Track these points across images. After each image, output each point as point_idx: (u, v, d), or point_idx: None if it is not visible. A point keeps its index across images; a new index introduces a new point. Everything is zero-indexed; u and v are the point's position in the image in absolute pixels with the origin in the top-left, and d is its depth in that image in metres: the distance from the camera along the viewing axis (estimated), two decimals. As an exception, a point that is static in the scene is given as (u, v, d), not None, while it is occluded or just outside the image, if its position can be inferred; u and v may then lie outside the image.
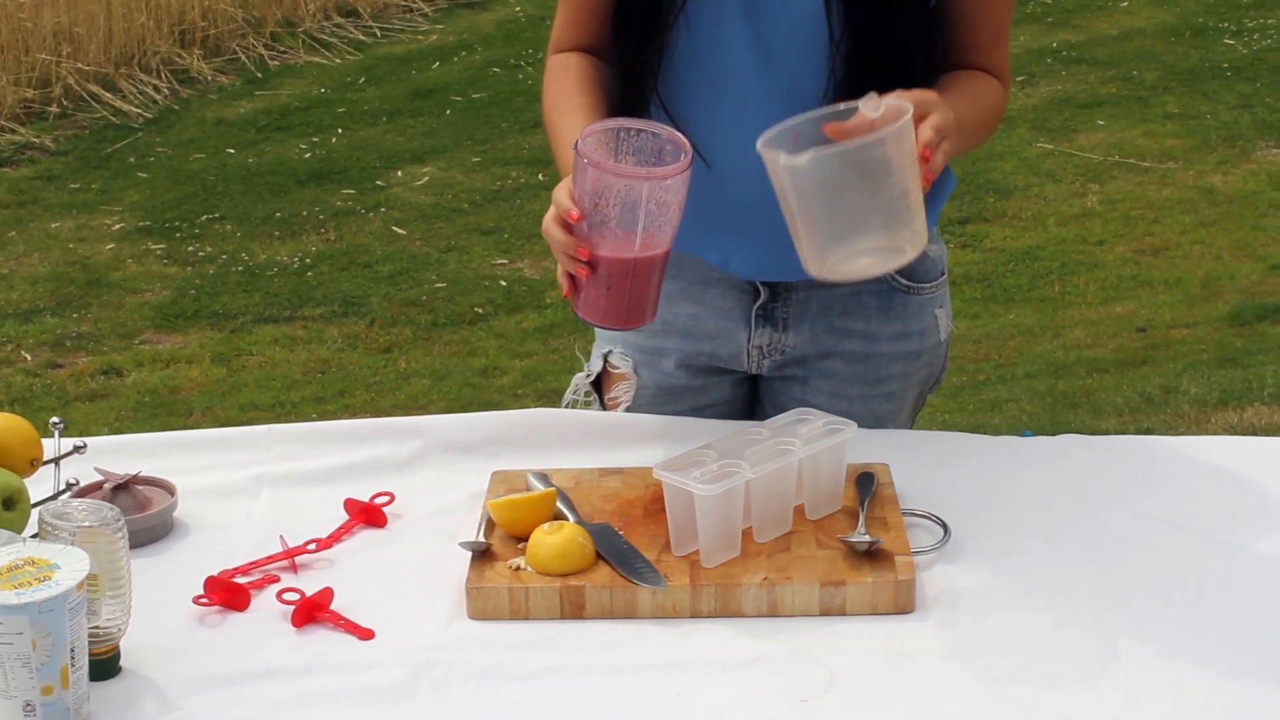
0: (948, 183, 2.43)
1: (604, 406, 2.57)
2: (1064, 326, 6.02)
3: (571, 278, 2.10)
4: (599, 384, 2.58)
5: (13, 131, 8.20)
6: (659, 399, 2.52)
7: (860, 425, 2.21)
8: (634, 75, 2.32)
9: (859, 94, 2.18)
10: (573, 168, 2.06)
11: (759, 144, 1.98)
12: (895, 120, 1.94)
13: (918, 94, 2.05)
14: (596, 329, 2.56)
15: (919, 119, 2.02)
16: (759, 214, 2.20)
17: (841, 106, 2.02)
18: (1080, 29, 9.55)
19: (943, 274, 2.51)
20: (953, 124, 2.08)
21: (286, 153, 8.12)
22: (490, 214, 7.27)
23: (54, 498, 2.15)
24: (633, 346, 2.52)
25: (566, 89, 2.34)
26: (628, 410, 2.53)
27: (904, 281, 2.44)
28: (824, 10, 2.22)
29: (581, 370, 2.61)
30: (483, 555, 2.06)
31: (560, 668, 1.90)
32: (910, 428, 2.57)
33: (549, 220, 2.08)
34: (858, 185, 1.95)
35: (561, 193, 2.07)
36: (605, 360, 2.55)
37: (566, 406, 2.56)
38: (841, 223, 1.98)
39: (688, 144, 2.07)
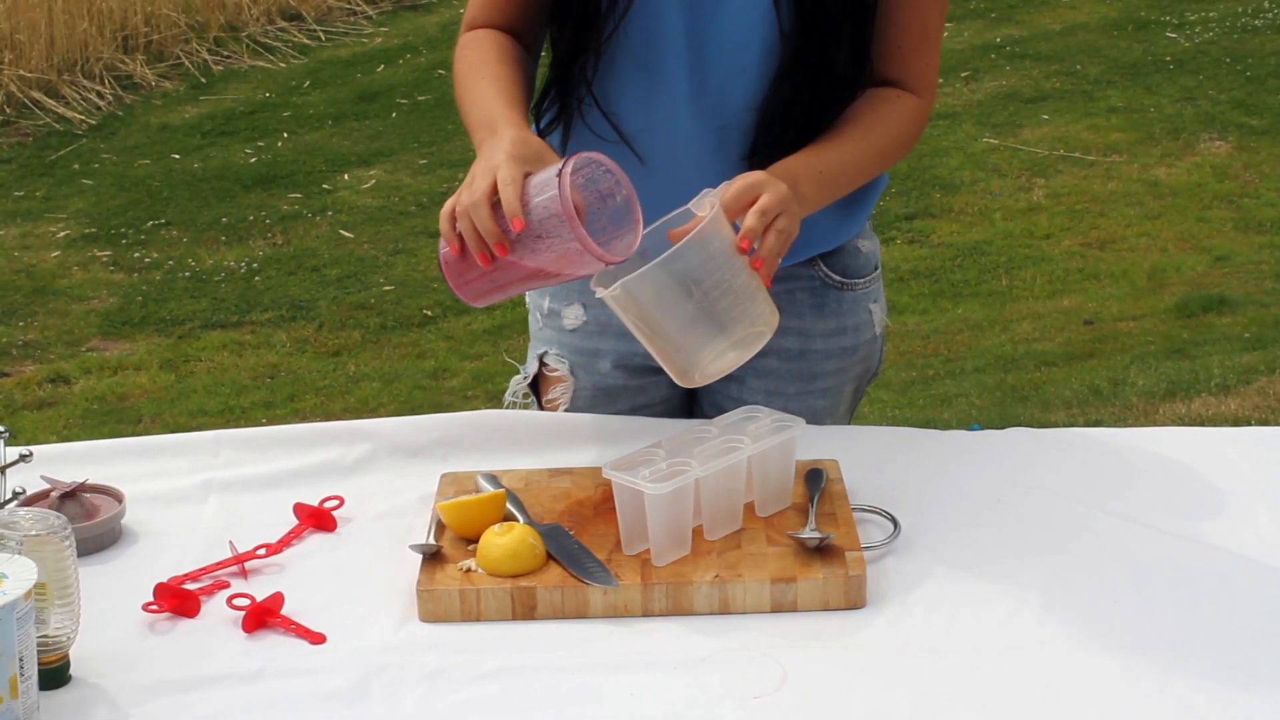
0: (879, 182, 2.44)
1: (542, 408, 2.57)
2: (1012, 320, 6.04)
3: (462, 243, 2.08)
4: (536, 386, 2.58)
5: (-45, 140, 8.17)
6: (597, 400, 2.52)
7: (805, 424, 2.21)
8: (566, 74, 2.32)
9: (792, 92, 2.21)
10: (537, 172, 2.04)
11: (591, 282, 2.07)
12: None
13: (746, 180, 2.09)
14: (531, 329, 2.56)
15: (747, 204, 2.07)
16: None
17: (685, 209, 2.08)
18: (1023, 24, 9.59)
19: (876, 269, 2.51)
20: (786, 199, 2.09)
21: (232, 157, 8.09)
22: (437, 216, 7.25)
23: (0, 507, 2.14)
24: (568, 348, 2.52)
25: (488, 58, 2.32)
26: (566, 411, 2.53)
27: (837, 278, 2.45)
28: (770, 10, 2.22)
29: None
30: (433, 558, 2.06)
31: (512, 669, 1.90)
32: (848, 422, 2.58)
33: (481, 197, 2.03)
34: (677, 298, 2.03)
35: (511, 190, 2.02)
36: (541, 362, 2.55)
37: (506, 408, 2.56)
38: (684, 333, 2.06)
39: (639, 215, 2.06)
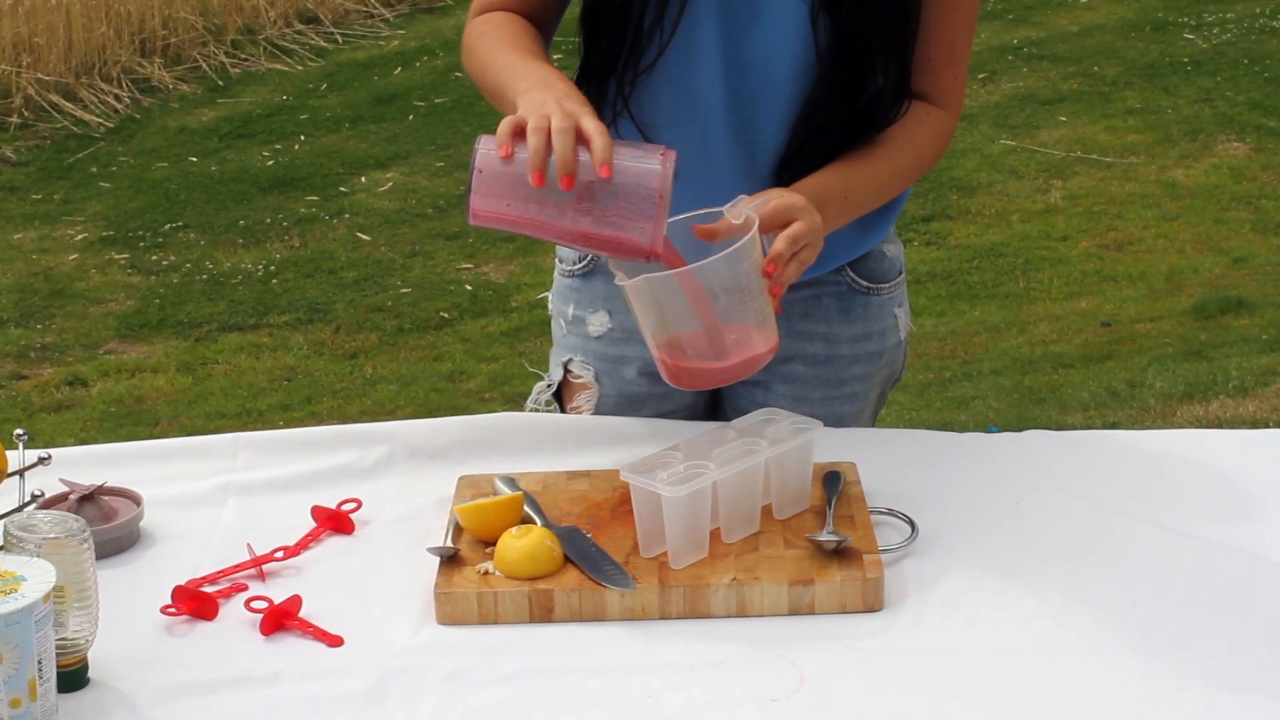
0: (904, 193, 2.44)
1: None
2: (1029, 322, 6.03)
3: (510, 149, 1.99)
4: (560, 393, 2.57)
5: (-27, 143, 8.19)
6: (621, 407, 2.51)
7: (824, 426, 2.21)
8: (600, 87, 2.30)
9: (825, 112, 2.20)
10: (633, 142, 2.01)
11: (610, 263, 2.06)
12: (743, 234, 2.02)
13: (782, 201, 2.08)
14: (555, 336, 2.56)
15: (781, 225, 2.06)
16: None
17: (715, 210, 2.08)
18: (1041, 25, 9.58)
19: (900, 273, 2.51)
20: (816, 229, 2.09)
21: (249, 160, 8.10)
22: (454, 218, 7.27)
23: (19, 509, 2.14)
24: (593, 355, 2.51)
25: (516, 35, 2.25)
26: (587, 417, 2.52)
27: (863, 283, 2.45)
28: (806, 28, 2.21)
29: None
30: (451, 560, 2.06)
31: (530, 671, 1.90)
32: (871, 426, 2.58)
33: (572, 125, 1.95)
34: (692, 304, 2.03)
35: (603, 140, 1.96)
36: (565, 369, 2.55)
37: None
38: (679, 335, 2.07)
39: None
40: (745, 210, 2.05)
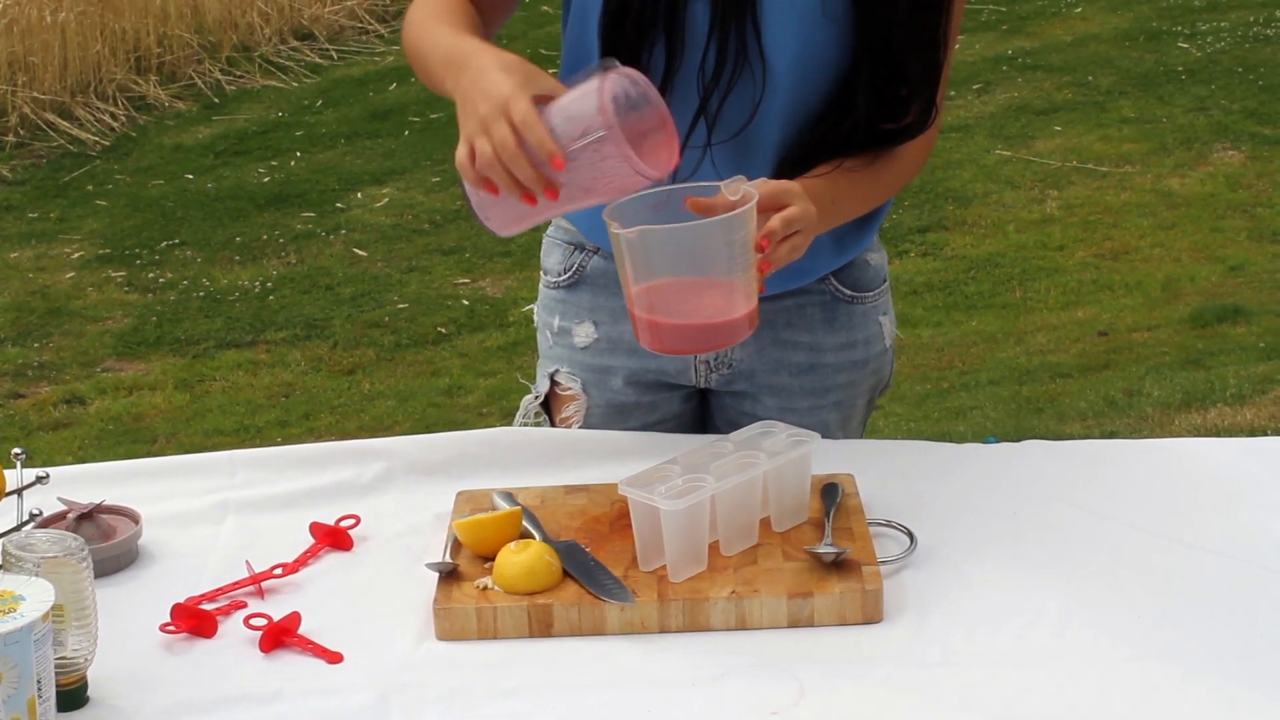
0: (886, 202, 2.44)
1: (554, 427, 2.56)
2: (1026, 332, 6.04)
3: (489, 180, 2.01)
4: (548, 405, 2.57)
5: (-31, 162, 8.19)
6: (610, 417, 2.51)
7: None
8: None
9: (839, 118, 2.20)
10: (544, 94, 1.99)
11: (604, 212, 2.04)
12: (741, 207, 2.02)
13: (780, 185, 2.10)
14: (541, 348, 2.56)
15: (777, 208, 2.07)
16: None
17: (710, 184, 2.08)
18: (1035, 36, 9.59)
19: (884, 281, 2.51)
20: (811, 218, 2.10)
21: (245, 177, 8.10)
22: (451, 234, 7.27)
23: (17, 529, 2.14)
24: (580, 365, 2.51)
25: (453, 9, 2.23)
26: (580, 429, 2.52)
27: (847, 292, 2.45)
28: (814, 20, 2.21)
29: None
30: (449, 576, 2.06)
31: (530, 686, 1.89)
32: (861, 435, 2.58)
33: (516, 148, 1.95)
34: (687, 263, 2.05)
35: (539, 130, 1.95)
36: (553, 380, 2.55)
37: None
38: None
39: (675, 129, 2.03)
40: (744, 187, 2.05)
